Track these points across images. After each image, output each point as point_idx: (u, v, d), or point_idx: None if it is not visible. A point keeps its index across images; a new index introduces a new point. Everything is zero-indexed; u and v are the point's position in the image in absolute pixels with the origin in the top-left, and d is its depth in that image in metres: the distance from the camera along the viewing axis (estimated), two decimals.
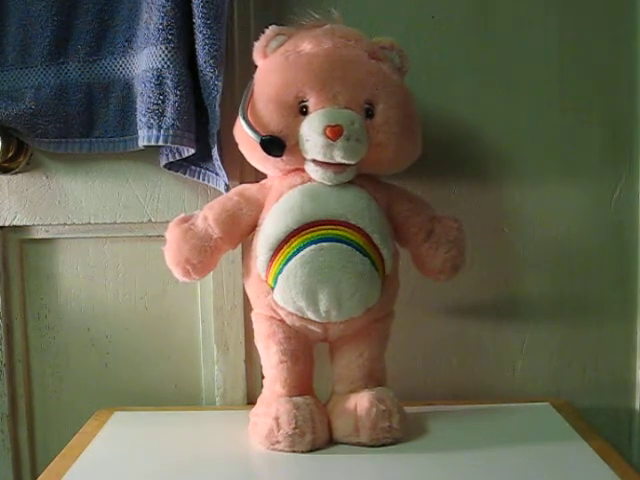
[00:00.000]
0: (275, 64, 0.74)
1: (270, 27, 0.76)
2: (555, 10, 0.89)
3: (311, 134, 0.71)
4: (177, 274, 0.76)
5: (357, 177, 0.75)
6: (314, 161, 0.73)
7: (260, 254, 0.74)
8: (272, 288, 0.74)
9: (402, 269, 0.79)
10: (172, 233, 0.76)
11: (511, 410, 0.86)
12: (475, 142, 0.91)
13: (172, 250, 0.76)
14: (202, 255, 0.75)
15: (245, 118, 0.73)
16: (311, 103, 0.72)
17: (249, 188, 0.78)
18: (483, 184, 0.91)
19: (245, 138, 0.75)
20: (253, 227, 0.76)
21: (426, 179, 0.89)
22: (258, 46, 0.76)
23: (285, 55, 0.74)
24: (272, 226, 0.73)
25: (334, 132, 0.70)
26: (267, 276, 0.74)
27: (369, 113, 0.73)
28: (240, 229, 0.77)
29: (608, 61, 0.90)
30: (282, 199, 0.74)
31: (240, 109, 0.74)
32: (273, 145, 0.72)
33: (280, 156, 0.72)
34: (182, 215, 0.77)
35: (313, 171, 0.73)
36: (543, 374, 0.94)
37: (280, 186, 0.75)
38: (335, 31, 0.75)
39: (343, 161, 0.71)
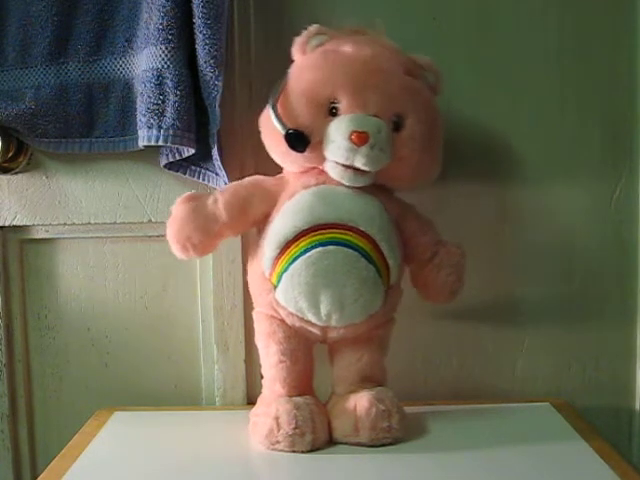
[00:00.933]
0: (313, 61, 0.75)
1: (313, 25, 0.76)
2: (555, 10, 0.89)
3: (337, 136, 0.71)
4: (175, 250, 0.76)
5: (371, 186, 0.75)
6: (335, 162, 0.73)
7: (267, 251, 0.74)
8: (275, 286, 0.74)
9: None
10: (178, 209, 0.76)
11: (511, 410, 0.86)
12: (475, 142, 0.91)
13: (175, 226, 0.75)
14: (205, 236, 0.75)
15: (274, 109, 0.73)
16: (342, 106, 0.72)
17: (265, 180, 0.78)
18: (483, 184, 0.91)
19: (270, 129, 0.75)
20: (260, 219, 0.76)
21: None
22: (298, 41, 0.76)
23: (324, 54, 0.74)
24: (281, 225, 0.73)
25: (360, 138, 0.70)
26: (271, 274, 0.74)
27: (397, 126, 0.73)
28: (248, 218, 0.76)
29: (608, 61, 0.90)
30: (294, 198, 0.74)
31: (270, 99, 0.74)
32: (297, 140, 0.72)
33: (303, 152, 0.72)
34: (189, 193, 0.77)
35: (332, 169, 0.73)
36: (543, 374, 0.94)
37: (294, 185, 0.75)
38: (375, 40, 0.76)
39: (364, 168, 0.72)
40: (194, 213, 0.75)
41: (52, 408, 0.94)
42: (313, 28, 0.76)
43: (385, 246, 0.74)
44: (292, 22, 0.85)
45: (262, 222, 0.76)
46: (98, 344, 0.93)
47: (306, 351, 0.78)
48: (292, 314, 0.75)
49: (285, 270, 0.72)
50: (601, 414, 0.92)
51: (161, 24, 0.78)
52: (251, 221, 0.77)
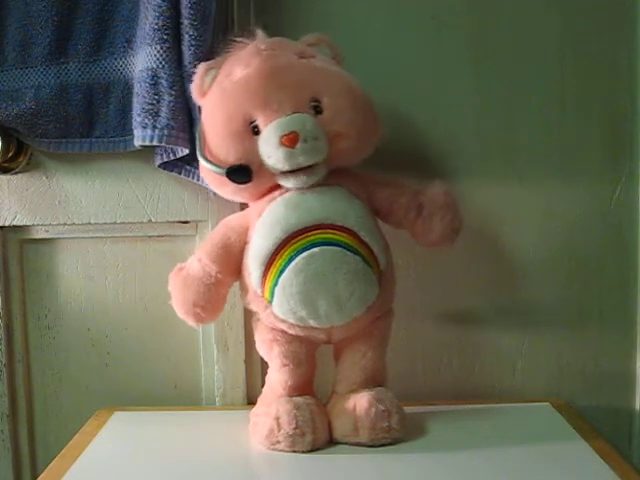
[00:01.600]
0: (215, 99, 0.75)
1: (199, 66, 0.76)
2: (555, 10, 0.89)
3: (270, 150, 0.71)
4: (190, 322, 0.76)
5: (332, 177, 0.75)
6: (283, 173, 0.73)
7: (253, 270, 0.74)
8: (270, 302, 0.74)
9: (400, 270, 0.79)
10: (173, 283, 0.76)
11: (511, 410, 0.86)
12: (475, 142, 0.91)
13: (178, 299, 0.76)
14: (207, 295, 0.75)
15: (205, 158, 0.74)
16: (260, 121, 0.72)
17: (232, 218, 0.79)
18: (483, 184, 0.91)
19: (213, 177, 0.76)
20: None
21: (426, 179, 0.88)
22: (194, 87, 0.77)
23: (221, 87, 0.74)
24: (260, 241, 0.73)
25: (290, 140, 0.70)
26: (263, 291, 0.74)
27: (317, 109, 0.73)
28: (234, 258, 0.76)
29: (608, 61, 0.90)
30: (265, 213, 0.74)
31: (198, 151, 0.75)
32: (239, 173, 0.72)
33: (249, 181, 0.73)
34: (178, 265, 0.78)
35: (285, 181, 0.73)
36: (543, 374, 0.94)
37: (260, 203, 0.76)
38: (259, 46, 0.75)
39: (309, 163, 0.72)
40: (188, 279, 0.75)
41: (52, 408, 0.94)
42: (200, 68, 0.76)
43: (365, 234, 0.73)
44: (292, 22, 0.85)
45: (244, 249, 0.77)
46: (98, 344, 0.93)
47: (309, 354, 0.78)
48: (294, 325, 0.74)
49: (275, 284, 0.72)
50: (601, 414, 0.92)
51: (156, 24, 0.78)
52: (239, 259, 0.76)
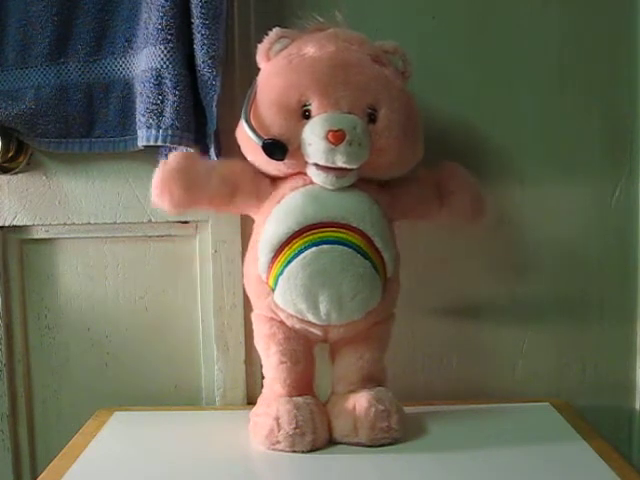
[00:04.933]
0: (278, 67, 0.74)
1: (274, 29, 0.76)
2: (555, 9, 0.89)
3: (313, 138, 0.71)
4: (154, 194, 0.75)
5: (359, 180, 0.75)
6: (316, 165, 0.73)
7: (261, 255, 0.74)
8: (272, 290, 0.74)
9: (401, 269, 0.79)
10: (176, 157, 0.76)
11: (511, 410, 0.86)
12: (475, 142, 0.91)
13: (165, 173, 0.75)
14: (186, 193, 0.74)
15: (247, 121, 0.73)
16: (314, 107, 0.72)
17: (261, 181, 0.77)
18: (483, 184, 0.90)
19: (247, 141, 0.75)
20: (241, 209, 0.79)
21: None
22: (261, 49, 0.76)
23: (288, 58, 0.74)
24: (274, 228, 0.73)
25: (336, 137, 0.70)
26: (268, 277, 0.74)
27: (372, 118, 0.73)
28: (231, 200, 0.76)
29: (608, 61, 0.90)
30: (283, 201, 0.74)
31: (242, 112, 0.74)
32: (275, 149, 0.72)
33: (282, 160, 0.72)
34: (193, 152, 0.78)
35: (315, 175, 0.73)
36: (543, 374, 0.94)
37: (282, 189, 0.75)
38: (338, 35, 0.75)
39: (345, 166, 0.71)
40: (189, 169, 0.75)
41: (52, 408, 0.94)
42: (274, 33, 0.76)
43: (379, 240, 0.74)
44: (292, 22, 0.85)
45: (243, 210, 0.79)
46: (98, 344, 0.93)
47: (307, 351, 0.78)
48: (292, 316, 0.74)
49: (281, 273, 0.72)
50: (601, 414, 0.92)
51: (160, 24, 0.78)
52: (232, 207, 0.77)
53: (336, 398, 0.78)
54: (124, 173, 0.89)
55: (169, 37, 0.78)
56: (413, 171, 0.79)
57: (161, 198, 0.75)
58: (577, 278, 0.93)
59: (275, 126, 0.72)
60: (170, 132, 0.78)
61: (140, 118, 0.79)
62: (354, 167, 0.72)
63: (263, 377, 0.79)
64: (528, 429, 0.80)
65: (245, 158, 0.78)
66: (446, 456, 0.73)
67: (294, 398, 0.75)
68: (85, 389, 0.93)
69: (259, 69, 0.77)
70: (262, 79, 0.76)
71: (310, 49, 0.73)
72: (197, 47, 0.78)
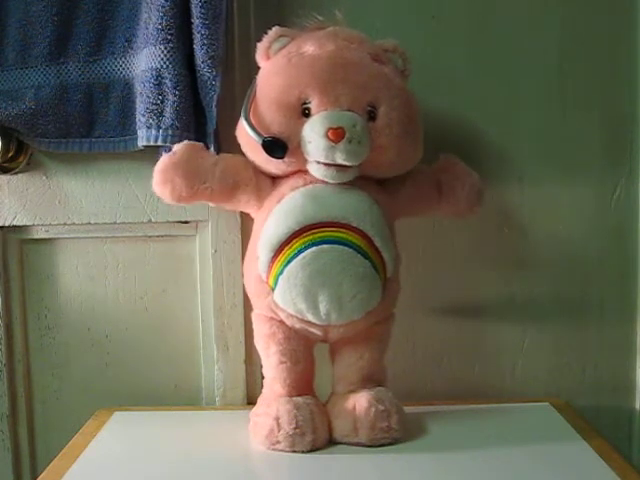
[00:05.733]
0: (278, 66, 0.74)
1: (273, 28, 0.76)
2: (555, 10, 0.89)
3: (313, 136, 0.71)
4: (155, 183, 0.75)
5: (358, 179, 0.75)
6: (316, 162, 0.73)
7: (261, 254, 0.74)
8: (272, 289, 0.74)
9: (401, 269, 0.79)
10: (182, 149, 0.75)
11: (511, 410, 0.86)
12: (475, 142, 0.91)
13: (169, 162, 0.75)
14: (188, 186, 0.74)
15: (247, 119, 0.73)
16: (313, 105, 0.72)
17: (263, 180, 0.77)
18: (483, 184, 0.91)
19: (247, 139, 0.75)
20: (242, 206, 0.78)
21: None
22: (261, 47, 0.76)
23: (288, 57, 0.74)
24: (274, 227, 0.73)
25: (336, 135, 0.70)
26: (268, 277, 0.74)
27: (371, 115, 0.73)
28: (233, 196, 0.76)
29: (608, 61, 0.90)
30: (284, 200, 0.74)
31: (242, 110, 0.74)
32: (275, 147, 0.72)
33: (282, 158, 0.72)
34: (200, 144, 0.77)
35: (315, 169, 0.73)
36: (543, 374, 0.94)
37: (282, 188, 0.75)
38: (338, 33, 0.76)
39: (345, 163, 0.71)
40: (192, 160, 0.75)
41: (52, 408, 0.94)
42: (273, 31, 0.76)
43: (379, 240, 0.74)
44: (292, 21, 0.85)
45: (243, 207, 0.78)
46: (98, 344, 0.93)
47: (306, 351, 0.78)
48: (292, 315, 0.74)
49: (281, 273, 0.72)
50: (601, 414, 0.92)
51: (160, 24, 0.78)
52: (233, 202, 0.77)
53: (336, 398, 0.78)
54: (124, 173, 0.89)
55: (169, 37, 0.78)
56: (412, 169, 0.79)
57: (163, 187, 0.75)
58: (577, 278, 0.93)
59: (275, 124, 0.72)
60: (170, 132, 0.78)
61: (140, 118, 0.79)
62: (354, 164, 0.72)
63: (263, 377, 0.79)
64: (528, 429, 0.80)
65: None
66: (446, 456, 0.73)
67: (294, 398, 0.75)
68: (85, 389, 0.93)
69: (259, 68, 0.77)
70: (262, 78, 0.76)
71: (310, 47, 0.74)
72: (197, 47, 0.78)
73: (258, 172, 0.77)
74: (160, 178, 0.75)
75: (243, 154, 0.77)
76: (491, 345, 0.93)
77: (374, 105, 0.73)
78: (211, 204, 0.80)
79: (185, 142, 0.76)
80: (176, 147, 0.76)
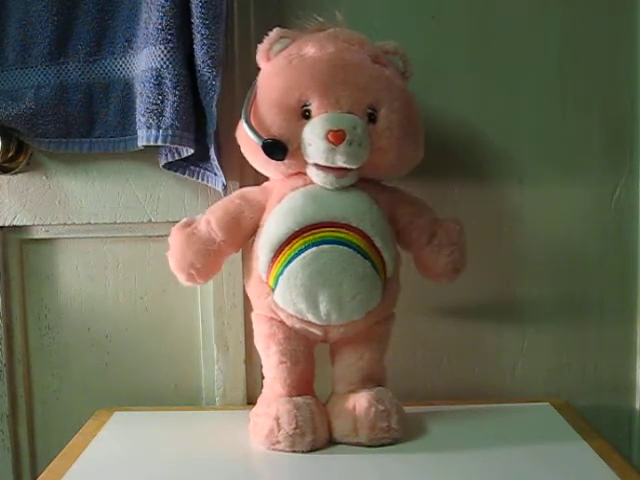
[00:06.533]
0: (278, 67, 0.74)
1: (274, 30, 0.76)
2: (555, 10, 0.89)
3: (313, 138, 0.71)
4: (182, 279, 0.77)
5: (359, 180, 0.75)
6: (316, 165, 0.73)
7: (261, 255, 0.74)
8: (272, 289, 0.74)
9: (402, 269, 0.79)
10: (175, 238, 0.76)
11: (511, 410, 0.86)
12: (475, 142, 0.91)
13: (176, 255, 0.76)
14: (206, 259, 0.75)
15: (247, 121, 0.73)
16: (314, 107, 0.72)
17: (251, 191, 0.78)
18: (483, 184, 0.91)
19: (247, 141, 0.75)
20: (255, 229, 0.76)
21: (426, 179, 0.89)
22: (261, 49, 0.76)
23: (288, 59, 0.74)
24: (274, 227, 0.73)
25: (336, 137, 0.70)
26: (268, 277, 0.74)
27: (372, 118, 0.73)
28: (242, 232, 0.77)
29: (608, 61, 0.90)
30: (284, 201, 0.74)
31: (242, 112, 0.74)
32: (275, 149, 0.72)
33: (282, 160, 0.72)
34: (184, 220, 0.77)
35: (315, 175, 0.73)
36: (543, 374, 0.94)
37: (282, 188, 0.75)
38: (338, 35, 0.75)
39: (345, 165, 0.71)
40: (191, 238, 0.75)
41: (52, 408, 0.94)
42: (274, 33, 0.76)
43: (379, 240, 0.74)
44: (292, 22, 0.85)
45: (257, 231, 0.76)
46: (98, 344, 0.93)
47: (307, 351, 0.78)
48: (292, 315, 0.75)
49: (281, 273, 0.72)
50: (601, 414, 0.92)
51: (160, 24, 0.78)
52: (246, 234, 0.77)
53: (336, 398, 0.78)
54: (124, 173, 0.89)
55: (169, 37, 0.78)
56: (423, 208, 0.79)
57: (190, 277, 0.76)
58: (577, 278, 0.93)
59: (275, 126, 0.72)
60: (170, 132, 0.78)
61: (140, 118, 0.79)
62: (354, 167, 0.72)
63: (263, 377, 0.79)
64: (528, 429, 0.80)
65: (240, 176, 0.79)
66: (446, 456, 0.73)
67: (294, 398, 0.75)
68: (85, 389, 0.93)
69: (259, 69, 0.77)
70: (262, 79, 0.76)
71: (310, 49, 0.74)
72: (197, 47, 0.78)
73: (243, 195, 0.77)
74: (181, 274, 0.76)
75: (241, 157, 0.77)
76: (491, 345, 0.93)
77: (374, 107, 0.73)
78: (237, 251, 0.80)
79: (173, 229, 0.77)
80: (170, 239, 0.76)
